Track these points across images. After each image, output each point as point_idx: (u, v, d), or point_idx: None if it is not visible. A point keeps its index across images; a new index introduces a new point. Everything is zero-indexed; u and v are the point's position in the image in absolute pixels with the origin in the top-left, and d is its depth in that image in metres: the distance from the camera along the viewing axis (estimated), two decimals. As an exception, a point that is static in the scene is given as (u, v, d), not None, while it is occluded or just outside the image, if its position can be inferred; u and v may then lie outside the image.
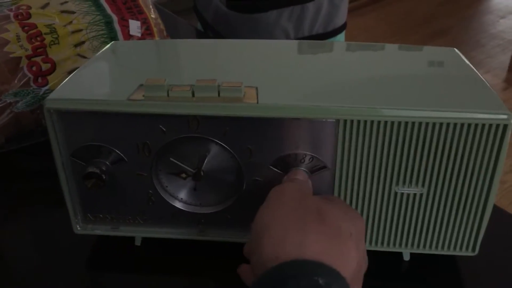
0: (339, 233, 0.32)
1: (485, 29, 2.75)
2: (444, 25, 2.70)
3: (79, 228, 0.44)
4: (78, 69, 0.44)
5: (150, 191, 0.42)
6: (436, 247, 0.42)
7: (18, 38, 0.55)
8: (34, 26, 0.56)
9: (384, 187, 0.39)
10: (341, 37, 0.90)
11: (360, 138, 0.37)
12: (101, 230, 0.44)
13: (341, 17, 0.87)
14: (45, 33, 0.56)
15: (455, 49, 0.47)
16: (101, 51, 0.48)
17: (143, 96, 0.38)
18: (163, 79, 0.38)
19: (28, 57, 0.55)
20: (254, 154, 0.39)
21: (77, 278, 0.43)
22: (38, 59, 0.55)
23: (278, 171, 0.40)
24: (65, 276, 0.43)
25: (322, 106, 0.37)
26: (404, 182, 0.39)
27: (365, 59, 0.47)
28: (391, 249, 0.42)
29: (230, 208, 0.42)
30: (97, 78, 0.43)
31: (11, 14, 0.56)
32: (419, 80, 0.42)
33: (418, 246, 0.42)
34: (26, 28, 0.55)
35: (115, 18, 0.60)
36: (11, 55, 0.54)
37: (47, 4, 0.58)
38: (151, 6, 0.66)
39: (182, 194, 0.42)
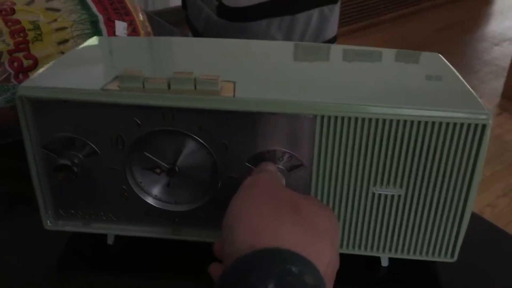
0: (314, 227, 0.31)
1: (479, 55, 2.78)
2: (439, 50, 2.72)
3: (49, 224, 0.43)
4: (55, 60, 0.43)
5: (124, 187, 0.41)
6: (414, 252, 0.41)
7: (0, 33, 0.54)
8: (18, 22, 0.55)
9: (362, 187, 0.38)
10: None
11: (337, 136, 0.37)
12: (72, 226, 0.43)
13: (331, 30, 0.87)
14: (29, 29, 0.55)
15: (439, 54, 0.47)
16: (81, 45, 0.48)
17: (118, 86, 0.37)
18: (140, 70, 0.38)
19: (10, 53, 0.54)
20: (230, 150, 0.38)
21: (44, 278, 0.42)
22: (20, 55, 0.54)
23: (255, 168, 0.39)
24: (32, 275, 0.42)
25: (299, 101, 0.36)
26: (382, 183, 0.38)
27: (349, 59, 0.47)
28: (369, 253, 0.41)
29: (205, 207, 0.41)
30: (73, 69, 0.42)
31: (-5, 9, 0.55)
32: (401, 79, 0.42)
33: (396, 250, 0.41)
34: (9, 23, 0.55)
35: (101, 17, 0.60)
36: (-8, 50, 0.53)
37: (32, 1, 0.58)
38: (138, 9, 0.66)
39: (156, 191, 0.41)
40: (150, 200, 0.41)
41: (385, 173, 0.38)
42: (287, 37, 0.82)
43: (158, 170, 0.40)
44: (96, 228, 0.43)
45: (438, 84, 0.41)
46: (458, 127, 0.35)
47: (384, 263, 0.43)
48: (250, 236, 0.29)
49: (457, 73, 0.42)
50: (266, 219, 0.30)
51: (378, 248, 0.41)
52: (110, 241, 0.44)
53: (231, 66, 0.44)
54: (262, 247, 0.28)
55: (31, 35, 0.55)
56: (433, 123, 0.35)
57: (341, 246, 0.41)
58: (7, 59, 0.54)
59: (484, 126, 0.35)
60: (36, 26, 0.56)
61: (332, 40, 0.88)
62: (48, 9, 0.58)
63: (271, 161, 0.38)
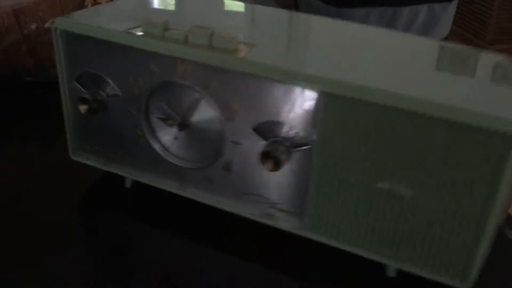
0: None
1: None
2: None
3: (74, 155, 0.45)
4: (102, 4, 0.45)
5: (138, 132, 0.41)
6: (421, 267, 0.36)
7: (88, -21, 0.58)
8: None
9: (367, 180, 0.34)
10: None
11: (344, 117, 0.33)
12: (94, 161, 0.45)
13: (441, 31, 0.79)
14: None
15: (504, 56, 0.40)
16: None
17: (141, 32, 0.38)
18: (164, 19, 0.38)
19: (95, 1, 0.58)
20: (237, 114, 0.37)
21: (66, 207, 0.44)
22: (102, 0, 0.58)
23: (259, 137, 0.37)
24: (54, 202, 0.44)
25: (309, 73, 0.33)
26: (389, 178, 0.34)
27: (392, 43, 0.42)
28: (372, 256, 0.37)
29: (208, 168, 0.40)
30: (113, 13, 0.44)
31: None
32: (439, 72, 0.37)
33: (401, 261, 0.36)
34: (99, -29, 0.59)
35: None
36: (78, -8, 0.57)
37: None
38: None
39: (167, 142, 0.41)
40: (159, 150, 0.41)
41: (394, 168, 0.33)
42: (388, 30, 0.77)
43: (170, 122, 0.40)
44: (114, 168, 0.44)
45: (488, 87, 0.36)
46: (484, 133, 0.30)
47: (391, 273, 0.38)
48: None
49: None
50: None
51: (382, 254, 0.37)
52: (128, 184, 0.46)
53: (265, 31, 0.42)
54: None
55: (116, -16, 0.59)
56: (457, 124, 0.30)
57: (345, 241, 0.37)
58: (91, 3, 0.58)
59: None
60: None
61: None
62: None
63: (278, 133, 0.36)
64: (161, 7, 0.47)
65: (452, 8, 0.79)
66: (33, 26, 0.57)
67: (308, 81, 0.33)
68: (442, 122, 0.31)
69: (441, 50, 0.42)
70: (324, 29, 0.44)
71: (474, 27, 3.04)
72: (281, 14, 0.48)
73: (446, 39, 0.82)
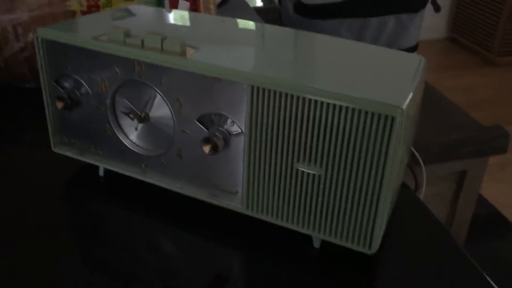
0: None
1: None
2: None
3: (55, 148, 0.52)
4: (85, 15, 0.52)
5: (107, 125, 0.49)
6: (336, 235, 0.42)
7: (79, -4, 0.66)
8: (95, -11, 0.67)
9: (287, 162, 0.41)
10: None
11: (265, 107, 0.40)
12: (72, 153, 0.52)
13: (410, 39, 0.85)
14: (102, -4, 0.66)
15: (422, 57, 0.46)
16: (120, 8, 0.56)
17: (106, 38, 0.45)
18: (127, 28, 0.45)
19: (82, 13, 0.65)
20: (184, 107, 0.44)
21: (52, 190, 0.51)
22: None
23: (202, 127, 0.44)
24: (39, 191, 0.52)
25: (237, 69, 0.40)
26: (304, 160, 0.40)
27: (323, 46, 0.48)
28: (297, 228, 0.43)
29: (164, 155, 0.47)
30: (90, 23, 0.51)
31: (81, -23, 0.67)
32: (353, 69, 0.43)
33: (325, 232, 0.42)
34: (88, -11, 0.66)
35: (167, -5, 0.69)
36: (69, 8, 0.65)
37: (113, -25, 0.69)
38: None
39: (131, 134, 0.48)
40: (125, 141, 0.48)
41: (306, 151, 0.40)
42: (358, 40, 0.83)
43: (132, 116, 0.47)
44: (88, 158, 0.51)
45: (386, 79, 0.42)
46: (369, 115, 0.36)
47: (316, 244, 0.44)
48: None
49: (417, 76, 0.42)
50: None
51: (308, 227, 0.43)
52: (101, 172, 0.53)
53: (210, 38, 0.49)
54: None
55: (102, 1, 0.66)
56: (347, 108, 0.37)
57: (274, 216, 0.44)
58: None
59: (393, 118, 0.35)
60: (109, -5, 0.67)
61: (410, 50, 0.86)
62: (123, -18, 0.68)
63: (218, 123, 0.43)
64: (129, 18, 0.54)
65: (419, 19, 0.84)
66: (29, 38, 0.65)
67: (237, 77, 0.40)
68: (340, 108, 0.37)
69: (374, 54, 0.48)
70: (268, 35, 0.51)
71: (481, 39, 3.08)
72: (236, 23, 0.54)
73: (415, 47, 0.88)
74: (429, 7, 0.91)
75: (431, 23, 3.13)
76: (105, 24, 0.51)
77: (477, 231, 1.53)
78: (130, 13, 0.55)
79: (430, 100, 0.93)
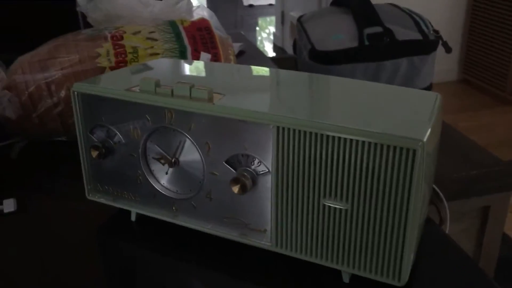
0: None
1: None
2: None
3: (90, 195, 0.55)
4: (112, 71, 0.56)
5: (139, 171, 0.51)
6: (365, 269, 0.43)
7: (107, 53, 0.70)
8: (123, 46, 0.71)
9: (314, 198, 0.42)
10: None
11: (291, 146, 0.42)
12: (105, 199, 0.54)
13: (423, 80, 0.88)
14: (129, 52, 0.70)
15: (438, 94, 0.48)
16: (146, 62, 0.60)
17: (138, 89, 0.48)
18: (157, 79, 0.48)
19: (111, 68, 0.69)
20: (212, 150, 0.46)
21: (82, 241, 0.53)
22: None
23: (231, 168, 0.46)
24: (73, 238, 0.54)
25: (262, 111, 0.43)
26: (330, 195, 0.42)
27: (341, 87, 0.51)
28: (327, 263, 0.44)
29: (194, 198, 0.49)
30: (122, 76, 0.54)
31: (109, 35, 0.72)
32: (371, 106, 0.45)
33: (353, 266, 0.43)
34: (116, 46, 0.71)
35: (189, 48, 0.73)
36: (98, 65, 0.69)
37: (138, 32, 0.73)
38: (228, 44, 0.78)
39: (162, 178, 0.50)
40: (156, 185, 0.51)
41: (332, 186, 0.41)
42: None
43: (162, 161, 0.49)
44: (121, 204, 0.53)
45: (402, 114, 0.44)
46: (391, 149, 0.38)
47: (345, 279, 0.45)
48: None
49: (435, 111, 0.44)
50: None
51: (337, 262, 0.44)
52: (133, 217, 0.55)
53: (238, 86, 0.52)
54: None
55: (129, 57, 0.70)
56: (370, 143, 0.39)
57: (303, 253, 0.45)
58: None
59: (414, 151, 0.37)
60: (135, 51, 0.71)
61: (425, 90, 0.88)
62: (148, 38, 0.73)
63: (245, 164, 0.45)
64: (156, 70, 0.58)
65: (431, 60, 0.87)
66: (62, 94, 0.69)
67: (262, 119, 0.42)
68: (363, 144, 0.39)
69: (391, 93, 0.50)
70: (287, 79, 0.54)
71: (493, 79, 3.10)
72: (257, 70, 0.58)
73: (429, 88, 0.90)
74: (440, 48, 0.94)
75: (443, 66, 3.17)
76: (134, 77, 0.55)
77: (508, 273, 1.49)
78: (157, 66, 0.59)
79: (449, 139, 0.95)
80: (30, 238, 0.53)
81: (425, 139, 0.38)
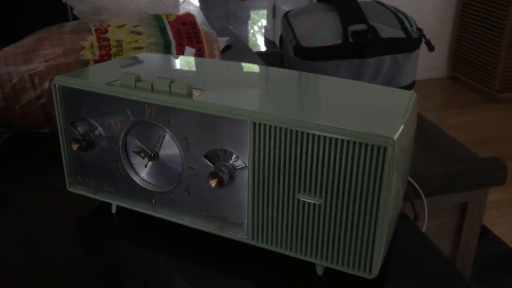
0: None
1: None
2: None
3: (71, 187, 0.55)
4: (99, 64, 0.56)
5: (119, 164, 0.52)
6: (337, 262, 0.44)
7: (92, 46, 0.70)
8: (107, 39, 0.71)
9: (289, 193, 0.43)
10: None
11: (267, 142, 0.43)
12: (86, 192, 0.55)
13: (406, 77, 0.89)
14: (113, 46, 0.71)
15: (413, 93, 0.49)
16: (129, 56, 0.61)
17: (119, 83, 0.49)
18: (137, 73, 0.49)
19: (95, 61, 0.70)
20: (191, 144, 0.47)
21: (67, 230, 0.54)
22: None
23: (209, 162, 0.46)
24: (54, 229, 0.54)
25: (239, 108, 0.43)
26: (304, 190, 0.43)
27: (319, 85, 0.51)
28: (301, 256, 0.45)
29: (173, 191, 0.50)
30: (101, 70, 0.55)
31: (93, 28, 0.72)
32: (348, 105, 0.46)
33: (327, 259, 0.44)
34: (100, 40, 0.71)
35: (173, 43, 0.73)
36: (82, 57, 0.70)
37: (123, 25, 0.73)
38: (213, 39, 0.78)
39: (142, 172, 0.51)
40: (136, 179, 0.51)
41: (306, 182, 0.42)
42: (357, 79, 0.87)
43: (142, 155, 0.50)
44: (102, 196, 0.54)
45: (377, 113, 0.45)
46: (363, 147, 0.39)
47: (319, 271, 0.46)
48: None
49: (408, 110, 0.45)
50: None
51: (309, 254, 0.45)
52: (113, 210, 0.55)
53: (217, 81, 0.53)
54: None
55: (114, 50, 0.71)
56: (342, 140, 0.40)
57: (278, 246, 0.46)
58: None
59: (385, 148, 0.38)
60: (119, 44, 0.71)
61: (408, 88, 0.89)
62: (132, 32, 0.73)
63: (223, 159, 0.46)
64: (139, 65, 0.58)
65: (414, 58, 0.88)
66: (45, 86, 0.69)
67: (240, 115, 0.43)
68: (336, 141, 0.40)
69: (368, 91, 0.51)
70: (269, 76, 0.55)
71: (481, 77, 3.13)
72: (240, 66, 0.58)
73: (412, 85, 0.91)
74: (424, 46, 0.95)
75: (432, 63, 3.20)
76: (116, 71, 0.55)
77: (487, 268, 1.52)
78: (139, 61, 0.59)
79: (430, 136, 0.96)
80: (12, 230, 0.54)
81: (395, 137, 0.39)
